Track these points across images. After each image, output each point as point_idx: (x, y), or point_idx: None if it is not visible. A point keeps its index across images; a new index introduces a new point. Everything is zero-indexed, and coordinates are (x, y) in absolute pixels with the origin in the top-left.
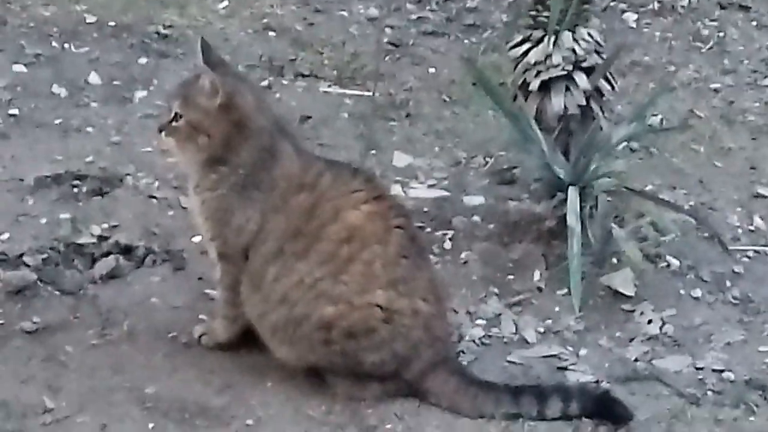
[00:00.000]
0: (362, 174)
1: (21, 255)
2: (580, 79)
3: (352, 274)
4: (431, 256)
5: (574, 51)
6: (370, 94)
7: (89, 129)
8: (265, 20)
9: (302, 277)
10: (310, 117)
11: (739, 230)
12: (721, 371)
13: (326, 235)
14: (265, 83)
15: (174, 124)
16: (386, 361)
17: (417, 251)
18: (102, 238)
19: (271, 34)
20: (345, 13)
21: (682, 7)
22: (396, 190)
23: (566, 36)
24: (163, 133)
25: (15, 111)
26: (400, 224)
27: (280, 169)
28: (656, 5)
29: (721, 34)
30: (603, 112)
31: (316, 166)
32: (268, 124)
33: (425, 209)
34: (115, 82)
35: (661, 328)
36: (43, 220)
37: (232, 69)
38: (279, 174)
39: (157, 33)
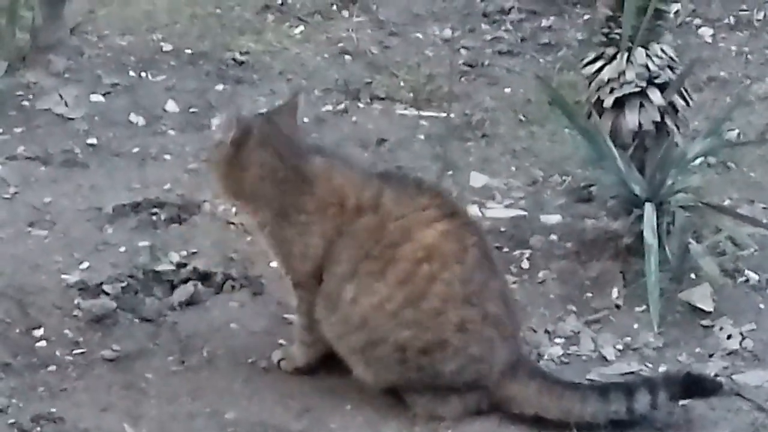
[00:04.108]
0: (428, 188)
1: (100, 284)
2: (654, 95)
3: (432, 297)
4: (508, 276)
5: (647, 67)
6: (446, 115)
7: (167, 157)
8: (340, 44)
9: (382, 300)
10: (386, 139)
11: None
12: None
13: (402, 254)
14: (341, 107)
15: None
16: (465, 366)
17: (489, 266)
18: (180, 265)
19: (347, 57)
20: (420, 36)
21: (758, 20)
22: (473, 210)
23: (639, 52)
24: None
25: (93, 140)
26: (474, 242)
27: (321, 188)
28: (732, 20)
29: None
30: (678, 128)
31: (371, 184)
32: (282, 147)
33: (502, 229)
34: (192, 110)
35: (740, 343)
36: (122, 249)
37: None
38: (322, 194)
39: (234, 59)
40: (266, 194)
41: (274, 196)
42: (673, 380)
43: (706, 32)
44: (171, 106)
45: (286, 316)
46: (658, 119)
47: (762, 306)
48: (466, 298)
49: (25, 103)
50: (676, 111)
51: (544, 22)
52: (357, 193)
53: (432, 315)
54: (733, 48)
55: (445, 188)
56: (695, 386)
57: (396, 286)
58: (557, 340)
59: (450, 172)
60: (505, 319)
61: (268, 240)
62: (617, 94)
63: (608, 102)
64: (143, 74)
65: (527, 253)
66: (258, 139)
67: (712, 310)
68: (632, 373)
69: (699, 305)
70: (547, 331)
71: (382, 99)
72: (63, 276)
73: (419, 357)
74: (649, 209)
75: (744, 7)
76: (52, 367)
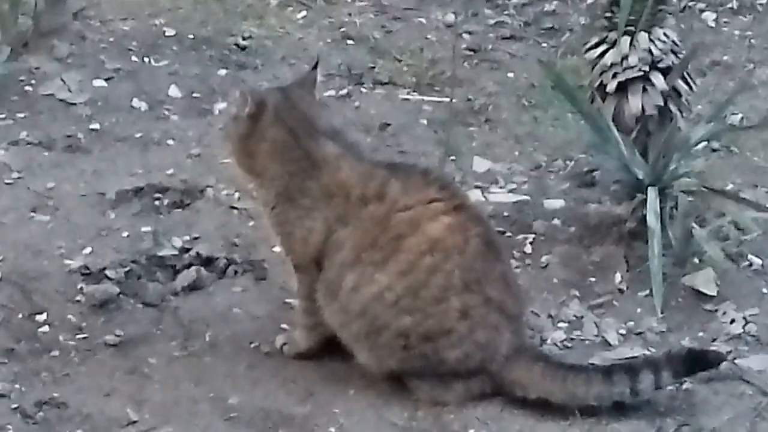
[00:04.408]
0: (435, 180)
1: (103, 269)
2: (657, 79)
3: (431, 287)
4: (511, 260)
5: (650, 51)
6: (449, 100)
7: (170, 142)
8: (343, 29)
9: (382, 289)
10: (389, 124)
11: None
12: None
13: (406, 246)
14: (344, 92)
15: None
16: (470, 353)
17: (492, 252)
18: (183, 250)
19: (350, 42)
20: (423, 20)
21: (761, 4)
22: (476, 195)
23: (642, 37)
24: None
25: (96, 126)
26: (478, 233)
27: (329, 176)
28: (735, 4)
29: None
30: (681, 112)
31: (377, 174)
32: (298, 131)
33: (505, 214)
34: (194, 95)
35: (743, 327)
36: (125, 234)
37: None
38: (330, 181)
39: (236, 45)
40: (275, 171)
41: (282, 175)
42: (675, 358)
43: (709, 16)
44: (174, 91)
45: (288, 300)
46: (661, 104)
47: (765, 290)
48: (467, 285)
49: (28, 88)
50: (679, 95)
51: (547, 7)
52: (362, 183)
53: (433, 303)
54: (737, 32)
55: (451, 178)
56: (698, 361)
57: (396, 276)
58: (560, 325)
59: (453, 157)
60: (508, 302)
61: (271, 220)
62: (620, 78)
63: (611, 86)
64: (146, 59)
65: (530, 237)
66: (273, 114)
67: (715, 294)
68: (635, 357)
69: (702, 290)
70: (550, 316)
71: (385, 84)
72: (66, 261)
73: (423, 344)
74: (652, 194)
75: None
76: (55, 352)
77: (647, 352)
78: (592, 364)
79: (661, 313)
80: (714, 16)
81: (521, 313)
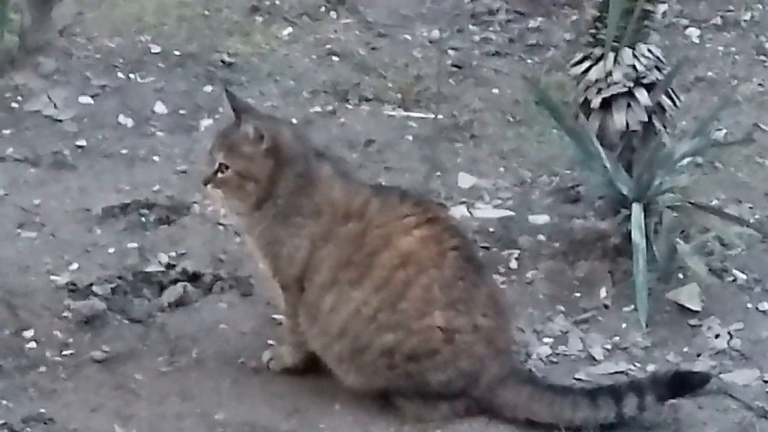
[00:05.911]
0: (411, 198)
1: (90, 285)
2: (641, 95)
3: (410, 300)
4: (497, 276)
5: (634, 67)
6: (434, 116)
7: (156, 158)
8: (328, 46)
9: (359, 306)
10: (374, 141)
11: None
12: None
13: (379, 262)
14: (329, 108)
15: (220, 175)
16: (452, 379)
17: (474, 270)
18: (170, 266)
19: (335, 59)
20: (408, 37)
21: (745, 21)
22: (461, 210)
23: (626, 53)
24: (209, 186)
25: (82, 142)
26: (454, 245)
27: (321, 194)
28: (719, 20)
29: None
30: (665, 128)
31: (362, 193)
32: (304, 152)
33: (491, 229)
34: (180, 111)
35: (728, 342)
36: (111, 250)
37: (258, 111)
38: (321, 200)
39: (222, 61)
40: (279, 189)
41: (282, 196)
42: (660, 381)
43: (694, 32)
44: (159, 107)
45: (275, 316)
46: (646, 119)
47: (749, 305)
48: (450, 302)
49: (14, 105)
50: (664, 111)
51: (532, 23)
52: (348, 201)
53: (413, 318)
54: (721, 48)
55: (430, 196)
56: (684, 384)
57: (371, 291)
58: (546, 340)
59: (438, 173)
60: (497, 333)
61: (259, 240)
62: (604, 94)
63: (595, 102)
64: (132, 76)
65: (515, 253)
66: (293, 140)
67: (699, 309)
68: (620, 372)
69: (687, 305)
70: (535, 331)
71: (370, 100)
72: (52, 277)
73: (408, 363)
74: (636, 209)
75: (731, 7)
76: (42, 368)
77: (632, 368)
78: (578, 379)
79: (646, 328)
80: (698, 32)
81: (509, 347)
